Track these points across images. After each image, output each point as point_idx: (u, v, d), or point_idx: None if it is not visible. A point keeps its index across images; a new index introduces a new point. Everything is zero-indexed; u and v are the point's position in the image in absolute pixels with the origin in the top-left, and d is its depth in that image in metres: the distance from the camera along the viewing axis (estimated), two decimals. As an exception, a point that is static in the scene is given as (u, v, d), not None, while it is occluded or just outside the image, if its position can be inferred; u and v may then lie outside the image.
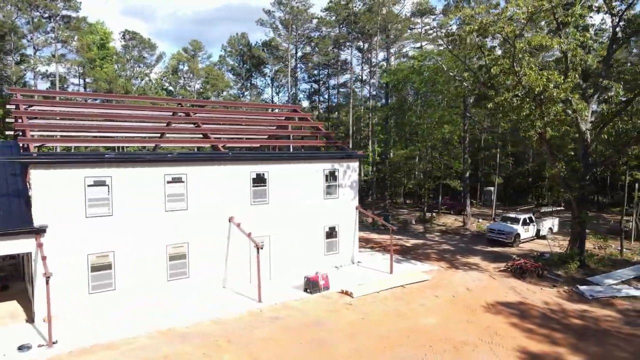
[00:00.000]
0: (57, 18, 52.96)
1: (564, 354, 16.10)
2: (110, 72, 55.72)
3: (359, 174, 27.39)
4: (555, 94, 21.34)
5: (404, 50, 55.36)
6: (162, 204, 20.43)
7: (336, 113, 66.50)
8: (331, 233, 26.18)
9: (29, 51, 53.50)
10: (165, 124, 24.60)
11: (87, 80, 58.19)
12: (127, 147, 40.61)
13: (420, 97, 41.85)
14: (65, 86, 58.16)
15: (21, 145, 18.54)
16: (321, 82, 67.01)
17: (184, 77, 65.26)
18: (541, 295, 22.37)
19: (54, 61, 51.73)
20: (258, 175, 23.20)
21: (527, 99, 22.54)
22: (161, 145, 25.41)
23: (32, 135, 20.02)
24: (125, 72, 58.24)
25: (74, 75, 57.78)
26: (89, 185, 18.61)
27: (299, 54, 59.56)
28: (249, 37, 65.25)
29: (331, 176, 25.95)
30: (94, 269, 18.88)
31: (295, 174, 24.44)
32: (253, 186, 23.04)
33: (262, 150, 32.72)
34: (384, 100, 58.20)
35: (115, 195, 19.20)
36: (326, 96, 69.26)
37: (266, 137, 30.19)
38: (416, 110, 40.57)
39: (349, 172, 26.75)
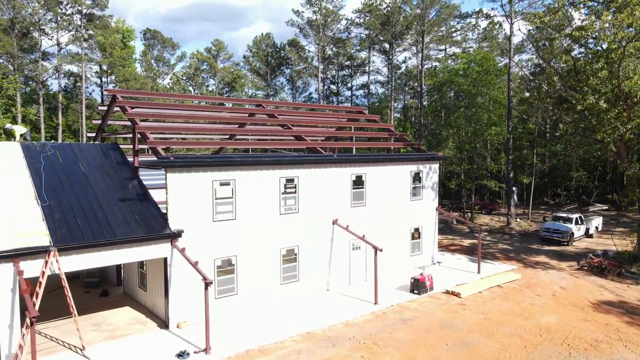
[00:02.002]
0: (82, 16, 51.78)
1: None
2: (132, 71, 54.73)
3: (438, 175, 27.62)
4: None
5: (440, 51, 55.76)
6: (277, 207, 20.33)
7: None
8: (415, 234, 26.41)
9: (53, 50, 52.17)
10: (256, 125, 24.42)
11: (105, 79, 57.00)
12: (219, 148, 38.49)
13: (464, 99, 42.32)
14: (86, 85, 56.94)
15: (137, 148, 18.22)
16: (341, 82, 67.12)
17: (203, 77, 64.52)
18: (633, 293, 23.03)
19: (79, 60, 50.57)
20: (357, 177, 23.28)
21: (618, 103, 23.12)
22: (252, 147, 25.20)
23: (154, 138, 19.58)
24: (147, 71, 57.23)
25: (96, 74, 56.55)
26: (216, 189, 18.42)
27: (325, 54, 59.48)
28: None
29: (416, 178, 26.19)
30: (219, 273, 18.68)
31: (387, 176, 24.61)
32: (353, 188, 23.10)
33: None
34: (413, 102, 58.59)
35: (238, 198, 19.04)
36: (344, 97, 69.32)
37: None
38: (461, 112, 41.00)
39: (431, 174, 27.04)
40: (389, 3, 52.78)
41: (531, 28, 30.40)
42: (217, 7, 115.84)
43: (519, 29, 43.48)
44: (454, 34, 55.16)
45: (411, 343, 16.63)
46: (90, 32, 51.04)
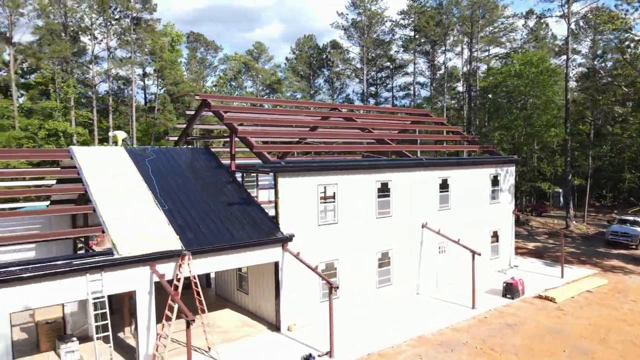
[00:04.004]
0: (130, 20, 52.52)
1: None
2: (181, 74, 55.36)
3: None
4: None
5: (484, 51, 55.28)
6: (374, 211, 20.38)
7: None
8: (494, 237, 26.22)
9: (102, 53, 52.98)
10: (335, 129, 24.50)
11: (153, 82, 57.73)
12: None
13: (518, 100, 41.90)
14: (130, 89, 57.79)
15: (234, 152, 18.35)
16: (380, 84, 66.99)
17: (242, 79, 64.94)
18: None
19: (130, 63, 51.33)
20: (444, 180, 23.21)
21: None
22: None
23: (257, 142, 19.75)
24: (195, 74, 57.88)
25: (139, 77, 57.27)
26: (321, 193, 18.55)
27: (367, 56, 59.43)
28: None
29: (495, 180, 26.02)
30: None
31: (469, 179, 24.50)
32: (439, 192, 23.05)
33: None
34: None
35: (339, 202, 19.13)
36: (382, 98, 69.20)
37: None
38: (517, 114, 40.57)
39: (508, 176, 26.83)
40: (436, 4, 52.62)
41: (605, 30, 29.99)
42: (231, 9, 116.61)
43: (578, 29, 42.82)
44: (502, 35, 54.59)
45: (527, 349, 16.49)
46: (139, 35, 51.72)
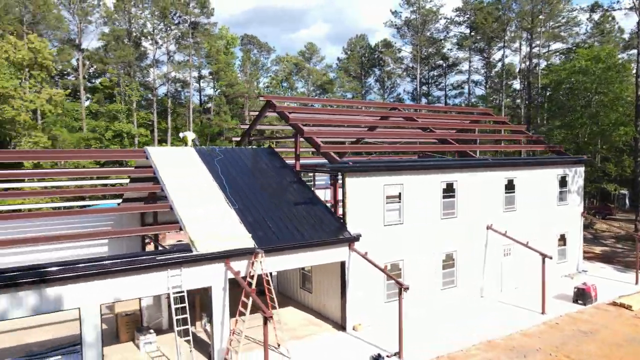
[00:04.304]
0: (188, 24, 54.37)
1: None
2: (235, 76, 56.75)
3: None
4: None
5: (543, 47, 53.24)
6: (439, 212, 20.12)
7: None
8: (561, 240, 25.24)
9: (162, 58, 55.19)
10: (396, 128, 24.36)
11: (209, 84, 59.54)
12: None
13: (582, 97, 40.01)
14: (187, 91, 59.84)
15: (299, 152, 18.54)
16: (432, 82, 65.92)
17: (294, 79, 65.69)
18: None
19: (189, 67, 53.15)
20: (509, 181, 22.58)
21: None
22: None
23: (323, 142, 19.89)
24: (249, 76, 59.20)
25: (194, 79, 59.18)
26: (386, 193, 18.51)
27: (420, 54, 58.66)
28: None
29: (562, 181, 25.03)
30: (389, 277, 18.67)
31: (535, 179, 23.70)
32: (505, 192, 22.44)
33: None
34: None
35: (404, 202, 19.02)
36: (434, 97, 68.02)
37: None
38: (581, 112, 38.75)
39: (576, 178, 25.73)
40: (494, 0, 51.11)
41: None
42: (277, 10, 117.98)
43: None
44: (563, 30, 52.31)
45: (604, 358, 15.77)
46: (197, 39, 53.50)
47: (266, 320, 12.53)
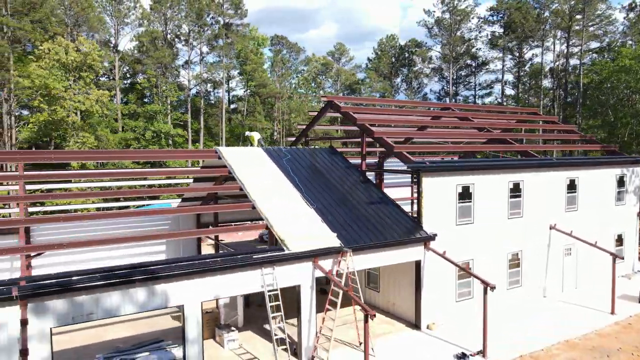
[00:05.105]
0: (221, 26, 54.85)
1: None
2: (266, 76, 57.14)
3: None
4: None
5: (575, 46, 52.79)
6: (506, 212, 20.19)
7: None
8: (618, 240, 25.11)
9: (195, 59, 55.77)
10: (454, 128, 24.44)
11: (241, 84, 60.02)
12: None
13: (624, 96, 39.67)
14: (216, 91, 60.35)
15: (365, 152, 18.58)
16: (461, 82, 65.68)
17: (322, 79, 65.90)
18: None
19: (223, 68, 53.63)
20: (571, 181, 22.54)
21: None
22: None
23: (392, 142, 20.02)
24: (281, 77, 59.62)
25: (227, 80, 59.72)
26: (459, 193, 18.63)
27: (453, 54, 58.54)
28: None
29: (620, 181, 24.92)
30: (459, 277, 18.84)
31: (595, 179, 23.63)
32: (567, 192, 22.42)
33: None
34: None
35: (475, 202, 19.12)
36: (462, 97, 67.75)
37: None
38: (626, 111, 38.41)
39: (634, 178, 25.59)
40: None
41: None
42: (286, 10, 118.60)
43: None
44: (599, 29, 51.76)
45: (690, 359, 15.73)
46: (230, 40, 53.96)
47: (367, 317, 12.74)
